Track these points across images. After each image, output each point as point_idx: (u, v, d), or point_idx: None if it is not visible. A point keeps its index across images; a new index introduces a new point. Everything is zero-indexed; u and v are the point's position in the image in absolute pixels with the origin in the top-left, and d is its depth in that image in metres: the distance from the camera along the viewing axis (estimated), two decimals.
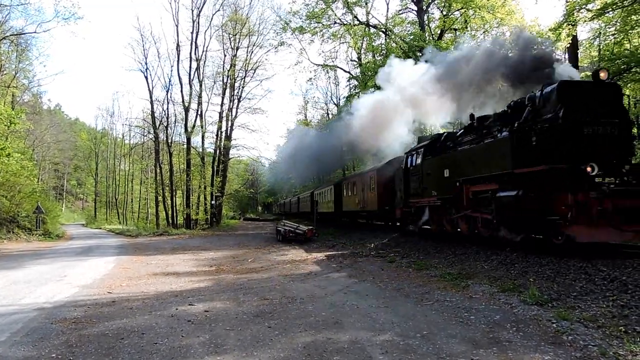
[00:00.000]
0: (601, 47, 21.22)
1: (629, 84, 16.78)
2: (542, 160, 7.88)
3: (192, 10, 31.89)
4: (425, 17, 25.16)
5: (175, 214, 34.33)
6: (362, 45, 29.56)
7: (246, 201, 60.13)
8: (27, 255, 14.72)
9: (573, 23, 16.15)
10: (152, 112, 34.60)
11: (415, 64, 18.33)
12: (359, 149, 25.42)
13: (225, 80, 33.40)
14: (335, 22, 27.61)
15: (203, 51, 32.71)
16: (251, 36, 33.20)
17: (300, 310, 6.09)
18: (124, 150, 54.15)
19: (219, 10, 33.41)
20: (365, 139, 22.12)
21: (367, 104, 21.44)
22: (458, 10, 23.75)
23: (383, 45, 26.59)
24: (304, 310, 6.09)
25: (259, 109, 35.10)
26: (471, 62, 12.54)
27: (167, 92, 47.83)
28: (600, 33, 20.03)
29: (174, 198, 34.53)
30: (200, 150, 34.38)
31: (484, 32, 24.10)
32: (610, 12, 16.17)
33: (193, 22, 31.86)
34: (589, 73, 10.28)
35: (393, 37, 26.20)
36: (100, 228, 41.42)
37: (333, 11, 27.21)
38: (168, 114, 34.38)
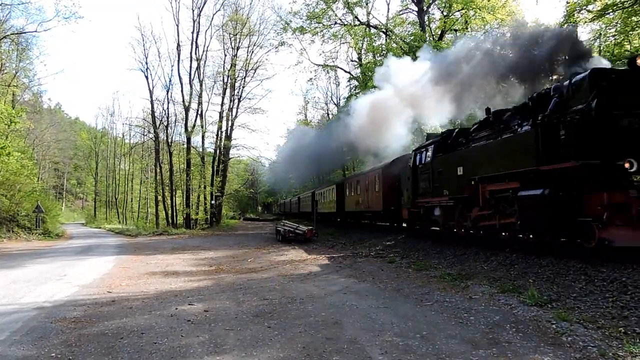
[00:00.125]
0: (601, 48, 21.23)
1: None
2: (572, 156, 7.11)
3: (193, 10, 31.99)
4: (426, 18, 25.18)
5: (175, 213, 34.33)
6: (362, 45, 29.58)
7: (246, 201, 60.12)
8: (27, 255, 14.72)
9: (573, 24, 16.18)
10: (152, 112, 34.66)
11: (414, 60, 18.32)
12: (358, 149, 25.45)
13: (225, 80, 33.45)
14: (335, 23, 27.67)
15: (203, 51, 32.80)
16: (252, 36, 33.27)
17: (299, 311, 6.09)
18: (124, 150, 54.15)
19: (219, 10, 33.52)
20: (364, 139, 22.13)
21: (366, 104, 21.46)
22: (458, 11, 23.76)
23: (383, 46, 26.62)
24: (304, 311, 6.09)
25: (259, 109, 35.15)
26: (475, 58, 12.44)
27: (168, 91, 47.98)
28: (600, 34, 20.05)
29: (174, 198, 34.53)
30: (200, 150, 34.43)
31: (484, 32, 24.13)
32: (611, 14, 16.19)
33: (194, 21, 31.94)
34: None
35: (393, 37, 26.23)
36: (100, 227, 41.40)
37: (333, 11, 27.26)
38: (168, 114, 34.47)
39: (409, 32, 27.13)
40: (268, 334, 4.98)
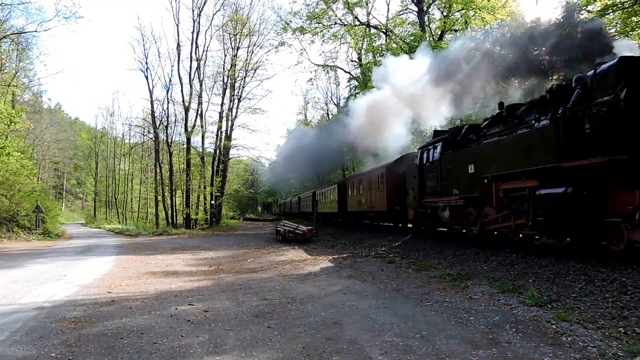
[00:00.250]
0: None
1: None
2: (598, 151, 6.65)
3: (193, 10, 31.99)
4: (426, 18, 25.19)
5: (174, 213, 34.33)
6: (362, 45, 29.61)
7: (246, 201, 60.17)
8: (27, 255, 14.71)
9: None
10: (152, 112, 34.66)
11: (411, 58, 18.30)
12: (357, 149, 25.44)
13: (225, 80, 33.46)
14: (335, 23, 27.70)
15: (203, 51, 32.81)
16: (252, 36, 33.28)
17: (299, 311, 6.09)
18: (124, 150, 54.16)
19: (219, 10, 33.57)
20: (362, 139, 22.12)
21: (364, 104, 21.47)
22: (458, 11, 23.78)
23: (383, 46, 26.63)
24: (304, 311, 6.09)
25: (259, 109, 35.17)
26: (475, 58, 12.38)
27: (167, 91, 48.07)
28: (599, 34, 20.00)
29: (174, 198, 34.53)
30: (200, 150, 34.43)
31: (484, 33, 24.14)
32: (611, 14, 16.19)
33: (194, 21, 31.94)
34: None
35: (393, 37, 26.25)
36: (99, 227, 41.38)
37: (333, 12, 27.29)
38: (168, 114, 34.47)
39: (409, 32, 27.16)
40: (268, 334, 4.98)
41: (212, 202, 32.52)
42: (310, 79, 40.53)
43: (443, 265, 9.72)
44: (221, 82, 33.80)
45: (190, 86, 32.18)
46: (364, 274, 9.41)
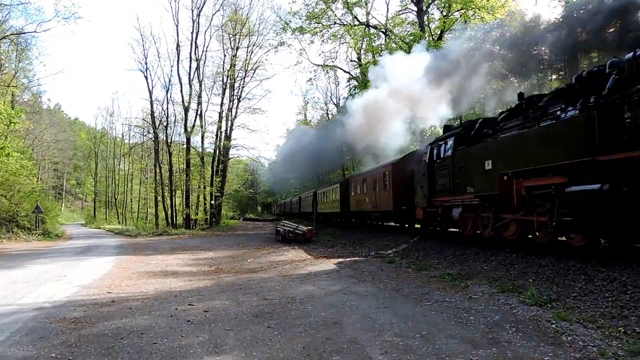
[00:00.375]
0: (600, 48, 21.22)
1: None
2: None
3: (192, 10, 32.01)
4: (425, 18, 25.21)
5: (174, 214, 34.33)
6: (362, 45, 29.63)
7: (246, 201, 60.14)
8: (27, 255, 14.70)
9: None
10: (152, 112, 34.65)
11: (407, 53, 18.31)
12: (356, 149, 25.42)
13: (225, 80, 33.47)
14: (335, 23, 27.73)
15: (203, 51, 32.82)
16: (251, 36, 33.30)
17: (299, 311, 6.09)
18: (124, 150, 54.18)
19: (219, 10, 33.72)
20: (361, 139, 22.11)
21: (361, 103, 21.48)
22: (458, 10, 23.79)
23: (383, 46, 26.65)
24: (303, 311, 6.09)
25: (258, 109, 35.21)
26: (475, 57, 12.31)
27: (167, 92, 47.98)
28: (599, 34, 20.01)
29: (174, 198, 34.53)
30: (200, 150, 34.44)
31: (483, 33, 24.16)
32: None
33: (193, 22, 31.94)
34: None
35: (393, 37, 26.26)
36: (99, 228, 41.39)
37: (333, 12, 27.32)
38: (168, 114, 34.49)
39: (408, 32, 27.18)
40: (268, 334, 4.98)
41: (212, 202, 32.53)
42: (310, 79, 40.65)
43: (443, 265, 9.72)
44: (221, 82, 33.88)
45: (190, 86, 32.23)
46: (364, 274, 9.41)
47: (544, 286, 6.49)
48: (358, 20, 27.59)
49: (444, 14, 24.81)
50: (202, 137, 33.94)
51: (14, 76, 29.02)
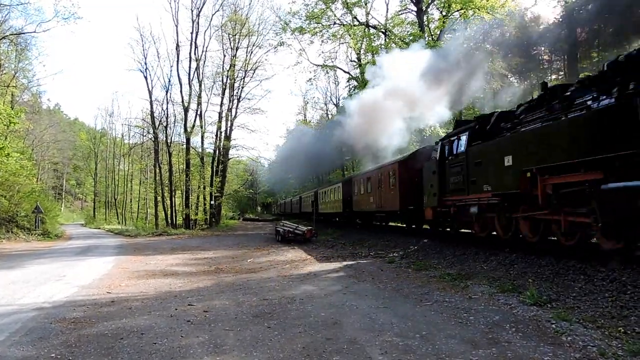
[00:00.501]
0: (601, 48, 21.25)
1: None
2: None
3: (192, 11, 31.98)
4: (425, 18, 25.22)
5: (174, 214, 34.32)
6: (361, 45, 29.65)
7: (245, 201, 60.16)
8: (26, 255, 14.70)
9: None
10: (152, 112, 34.64)
11: (402, 49, 18.32)
12: (355, 149, 25.41)
13: (224, 81, 33.45)
14: (334, 23, 27.76)
15: (203, 51, 32.79)
16: (251, 36, 33.29)
17: (299, 311, 6.09)
18: (123, 150, 54.21)
19: (218, 10, 33.69)
20: (359, 139, 22.11)
21: (358, 103, 21.49)
22: (457, 11, 23.81)
23: (383, 46, 26.66)
24: (303, 311, 6.08)
25: (258, 109, 35.22)
26: (476, 57, 12.25)
27: (167, 92, 47.75)
28: (599, 33, 20.04)
29: (173, 198, 34.53)
30: (200, 150, 34.43)
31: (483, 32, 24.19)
32: None
33: (193, 22, 31.93)
34: (589, 73, 8.87)
35: (393, 37, 26.27)
36: (99, 228, 41.39)
37: (332, 12, 27.35)
38: (167, 114, 34.47)
39: (408, 32, 27.21)
40: (268, 334, 4.98)
41: (212, 202, 32.52)
42: (310, 79, 40.76)
43: (443, 265, 9.72)
44: (220, 83, 33.86)
45: (190, 86, 32.23)
46: (363, 274, 9.41)
47: (544, 286, 6.49)
48: (358, 21, 27.62)
49: (444, 14, 24.84)
50: (202, 137, 33.99)
51: (14, 76, 29.03)
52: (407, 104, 17.43)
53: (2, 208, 22.07)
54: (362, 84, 25.99)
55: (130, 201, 57.96)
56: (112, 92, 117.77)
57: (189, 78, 32.15)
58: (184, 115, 32.49)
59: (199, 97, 32.56)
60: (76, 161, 73.52)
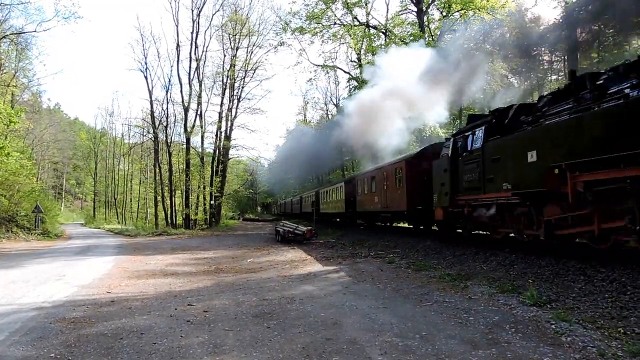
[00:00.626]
0: (600, 48, 21.28)
1: None
2: None
3: (192, 10, 32.00)
4: (425, 18, 25.23)
5: (174, 214, 34.32)
6: (362, 45, 29.66)
7: (245, 201, 60.13)
8: (26, 255, 14.69)
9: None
10: (152, 112, 34.64)
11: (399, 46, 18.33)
12: (354, 149, 25.40)
13: (225, 80, 33.45)
14: (335, 23, 27.79)
15: (203, 51, 32.80)
16: (251, 36, 33.29)
17: (299, 311, 6.09)
18: (123, 150, 54.25)
19: (219, 10, 33.69)
20: (358, 138, 22.10)
21: (357, 103, 21.48)
22: (458, 11, 23.82)
23: (383, 46, 26.68)
24: (303, 311, 6.08)
25: (258, 109, 35.22)
26: (476, 57, 12.25)
27: (167, 92, 48.00)
28: (599, 34, 20.07)
29: (173, 198, 34.53)
30: (200, 150, 34.43)
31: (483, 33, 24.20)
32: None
33: (193, 22, 31.94)
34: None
35: (393, 37, 26.29)
36: (99, 228, 41.37)
37: (333, 12, 27.37)
38: (167, 114, 34.48)
39: (408, 32, 27.22)
40: (267, 334, 4.98)
41: (212, 202, 32.52)
42: (310, 79, 40.84)
43: (442, 265, 9.72)
44: (220, 82, 33.87)
45: (190, 86, 32.23)
46: (363, 274, 9.40)
47: (544, 287, 6.49)
48: (358, 21, 27.64)
49: (444, 14, 24.86)
50: (202, 137, 33.99)
51: (14, 76, 29.05)
52: (406, 103, 17.41)
53: (2, 207, 22.06)
54: (362, 84, 26.01)
55: (130, 201, 57.97)
56: (112, 92, 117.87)
57: (189, 78, 32.21)
58: (184, 115, 32.53)
59: (199, 97, 32.60)
60: (76, 161, 73.52)
